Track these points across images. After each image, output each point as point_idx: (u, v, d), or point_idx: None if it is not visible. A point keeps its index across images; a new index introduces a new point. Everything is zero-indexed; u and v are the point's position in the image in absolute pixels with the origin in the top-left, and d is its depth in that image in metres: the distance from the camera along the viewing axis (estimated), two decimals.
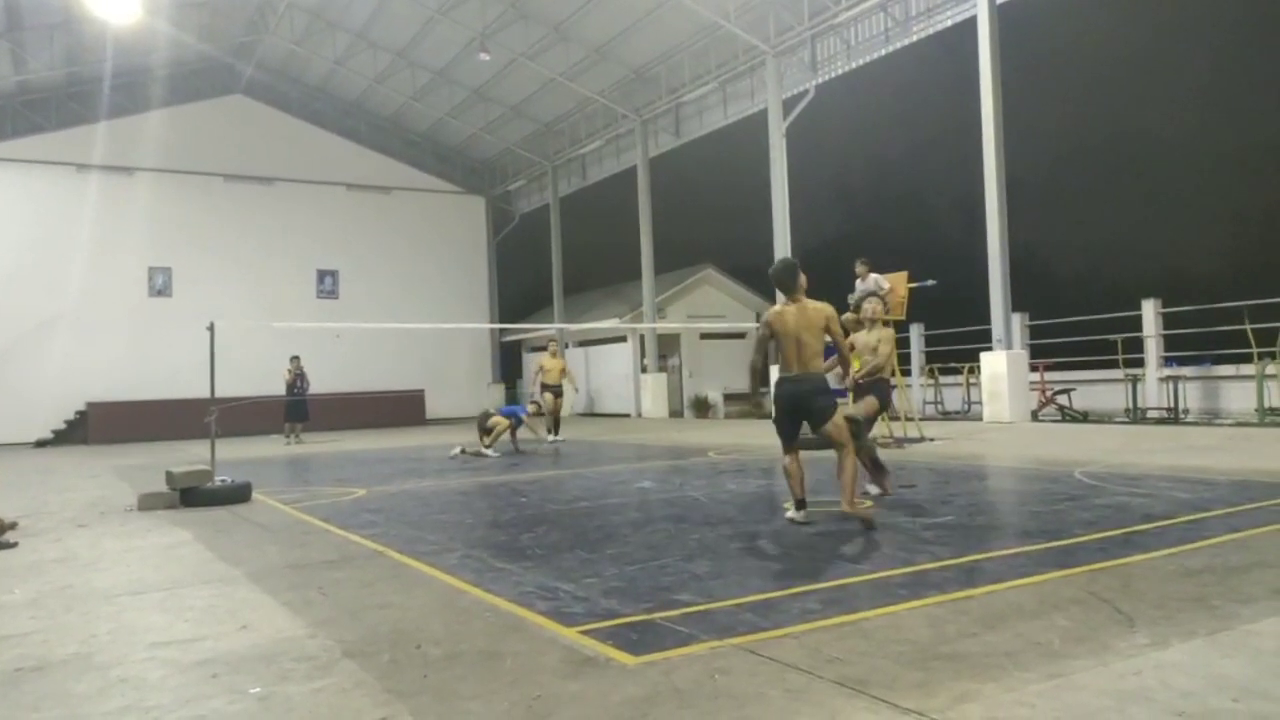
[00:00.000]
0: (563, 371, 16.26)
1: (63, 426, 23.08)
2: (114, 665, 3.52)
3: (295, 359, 19.61)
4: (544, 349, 17.61)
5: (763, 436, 14.76)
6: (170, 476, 8.54)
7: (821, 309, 6.10)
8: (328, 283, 27.70)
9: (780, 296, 6.48)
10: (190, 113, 25.61)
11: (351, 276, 27.83)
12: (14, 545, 6.40)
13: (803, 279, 6.18)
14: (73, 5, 19.40)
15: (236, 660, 3.52)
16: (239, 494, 8.60)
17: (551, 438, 15.67)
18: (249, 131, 26.62)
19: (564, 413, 16.66)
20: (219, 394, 9.32)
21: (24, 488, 10.64)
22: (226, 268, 25.44)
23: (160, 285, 25.17)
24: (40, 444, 22.12)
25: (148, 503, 8.30)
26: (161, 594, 4.77)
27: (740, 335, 26.17)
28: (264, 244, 26.39)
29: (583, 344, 28.76)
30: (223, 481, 8.69)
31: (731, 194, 31.94)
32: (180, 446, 17.94)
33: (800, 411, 6.12)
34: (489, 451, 13.20)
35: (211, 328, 9.13)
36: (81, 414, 23.17)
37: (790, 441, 6.21)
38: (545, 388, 16.04)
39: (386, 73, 25.48)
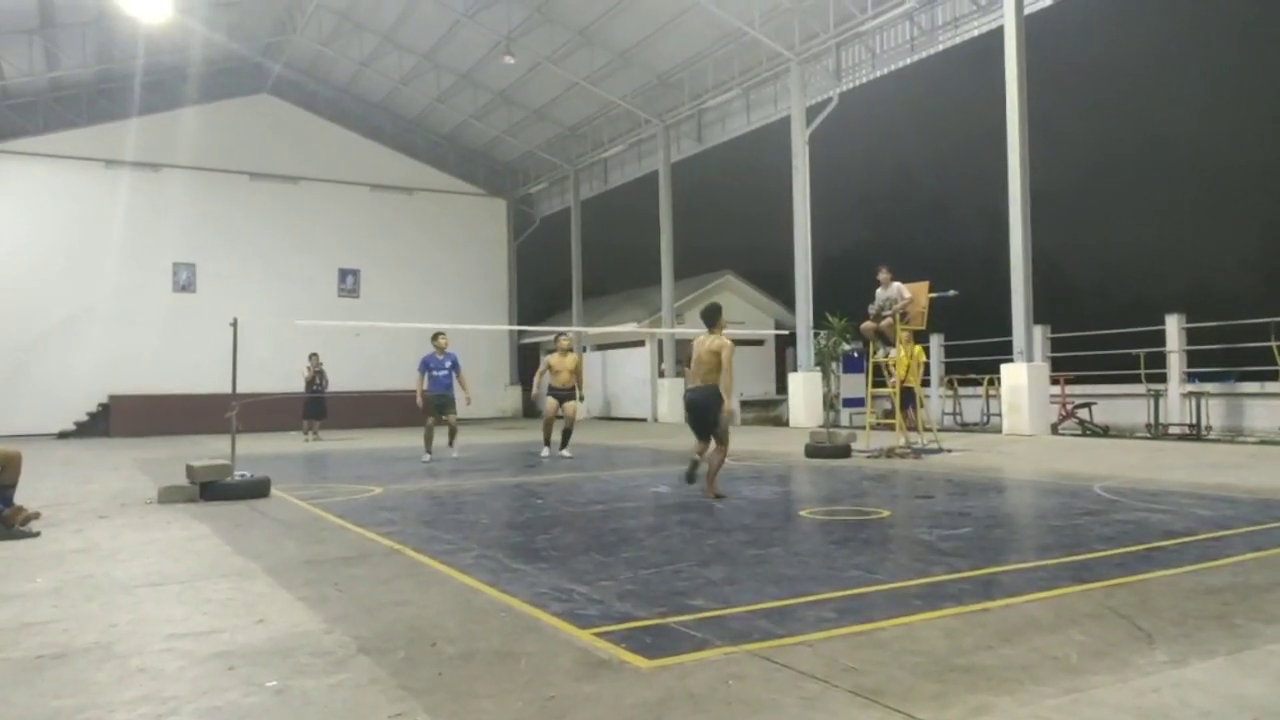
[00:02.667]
0: (573, 372, 13.10)
1: (85, 419, 23.34)
2: (133, 655, 3.56)
3: (314, 356, 19.76)
4: (554, 350, 13.64)
5: (779, 444, 14.71)
6: (190, 470, 8.62)
7: (720, 341, 7.89)
8: (349, 281, 27.91)
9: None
10: (218, 111, 25.89)
11: (373, 276, 28.02)
12: (36, 535, 6.49)
13: (721, 320, 8.17)
14: (105, 3, 19.67)
15: (253, 653, 3.55)
16: (258, 489, 8.66)
17: (547, 451, 13.10)
18: (275, 130, 26.89)
19: (579, 416, 13.95)
20: (239, 390, 9.42)
21: (46, 478, 10.76)
22: (250, 265, 25.70)
23: (184, 281, 25.44)
24: (62, 435, 22.37)
25: (168, 496, 8.38)
26: (180, 586, 4.82)
27: (759, 343, 26.08)
28: (287, 242, 26.63)
29: (600, 348, 28.80)
30: (242, 476, 8.74)
31: (753, 200, 31.85)
32: (200, 441, 18.09)
33: (694, 413, 8.14)
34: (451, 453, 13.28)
35: (235, 324, 9.22)
36: (104, 407, 23.43)
37: (699, 437, 8.23)
38: (553, 392, 13.09)
39: (412, 74, 25.67)
